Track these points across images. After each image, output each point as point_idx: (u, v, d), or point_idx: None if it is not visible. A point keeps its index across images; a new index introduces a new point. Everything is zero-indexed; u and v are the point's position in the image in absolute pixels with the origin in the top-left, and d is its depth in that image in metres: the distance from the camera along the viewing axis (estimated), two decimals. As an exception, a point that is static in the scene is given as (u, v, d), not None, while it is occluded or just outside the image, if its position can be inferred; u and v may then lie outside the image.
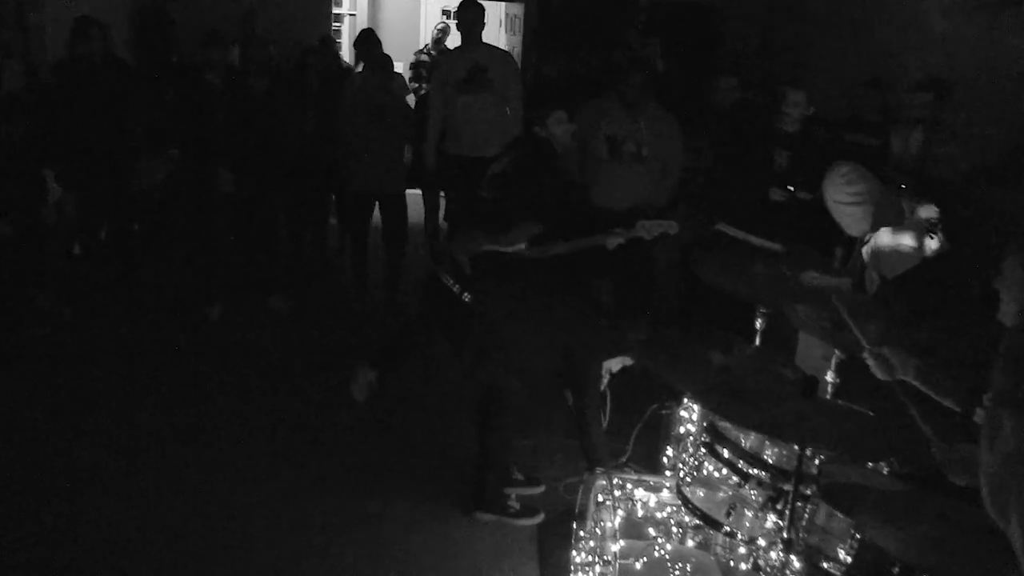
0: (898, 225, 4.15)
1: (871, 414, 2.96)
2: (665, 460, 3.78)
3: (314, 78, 7.10)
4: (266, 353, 5.91)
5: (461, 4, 6.57)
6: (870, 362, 2.93)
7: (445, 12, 11.94)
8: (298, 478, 4.43)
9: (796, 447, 2.73)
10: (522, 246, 4.53)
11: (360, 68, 7.38)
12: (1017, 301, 2.49)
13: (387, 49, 7.45)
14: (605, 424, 4.43)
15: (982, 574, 2.32)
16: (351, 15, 12.12)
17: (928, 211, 4.11)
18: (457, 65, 6.48)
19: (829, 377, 3.46)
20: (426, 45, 9.99)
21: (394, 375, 4.87)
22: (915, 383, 2.82)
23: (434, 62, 8.58)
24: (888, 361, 2.87)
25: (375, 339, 5.34)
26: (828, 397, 3.34)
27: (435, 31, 9.92)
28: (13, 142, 5.68)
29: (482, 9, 6.58)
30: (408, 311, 5.60)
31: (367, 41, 7.23)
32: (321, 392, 5.29)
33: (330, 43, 8.66)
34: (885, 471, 3.05)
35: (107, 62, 6.55)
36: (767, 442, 2.99)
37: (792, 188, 5.28)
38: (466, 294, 4.96)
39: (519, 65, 6.99)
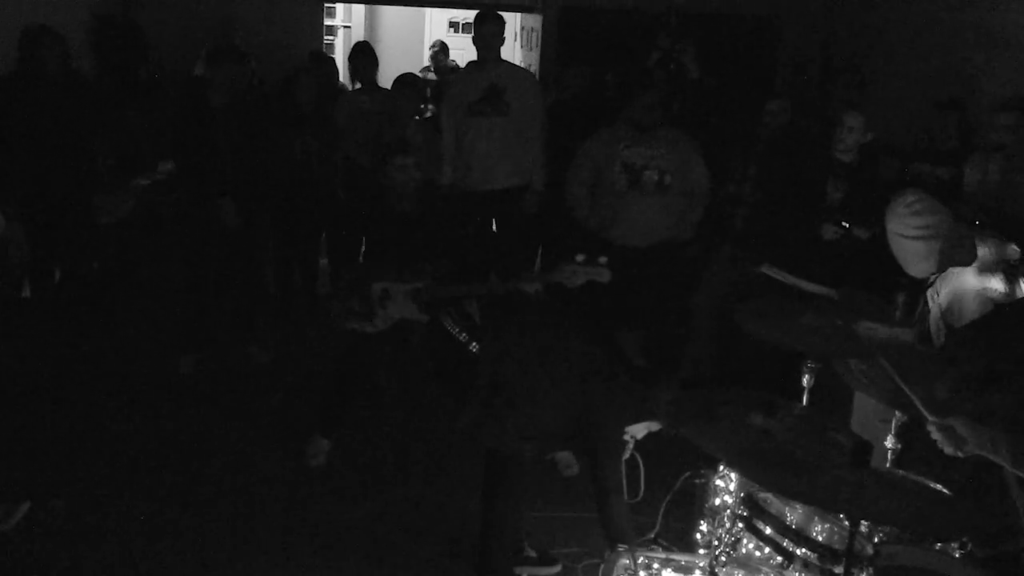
0: (968, 265, 4.16)
1: (938, 487, 2.95)
2: (698, 537, 3.76)
3: (305, 98, 7.20)
4: (244, 413, 5.93)
5: (478, 16, 6.66)
6: (935, 435, 2.93)
7: (452, 24, 12.13)
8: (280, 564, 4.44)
9: (847, 523, 2.72)
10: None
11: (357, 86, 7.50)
12: None
13: (385, 67, 7.59)
14: (640, 495, 4.43)
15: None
16: (346, 27, 12.32)
17: (1004, 249, 4.11)
18: (471, 85, 6.55)
19: (889, 443, 3.47)
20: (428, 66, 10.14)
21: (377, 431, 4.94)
22: (997, 459, 2.80)
23: (443, 82, 8.68)
24: (955, 432, 2.86)
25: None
26: (887, 467, 3.34)
27: (431, 51, 10.05)
28: None
29: (503, 23, 6.67)
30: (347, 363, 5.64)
31: (363, 55, 7.36)
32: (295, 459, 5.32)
33: (323, 59, 8.76)
34: (957, 554, 3.04)
35: (63, 77, 6.52)
36: (815, 517, 2.99)
37: (848, 224, 5.30)
38: (474, 344, 5.03)
39: (540, 86, 7.05)
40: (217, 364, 6.53)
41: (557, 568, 4.43)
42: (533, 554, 4.44)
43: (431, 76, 9.66)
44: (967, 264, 4.16)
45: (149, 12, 8.83)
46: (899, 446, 3.45)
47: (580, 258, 4.47)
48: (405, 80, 7.33)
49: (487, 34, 6.55)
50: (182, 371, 6.39)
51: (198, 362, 6.46)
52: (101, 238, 7.14)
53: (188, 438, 5.47)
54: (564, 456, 5.25)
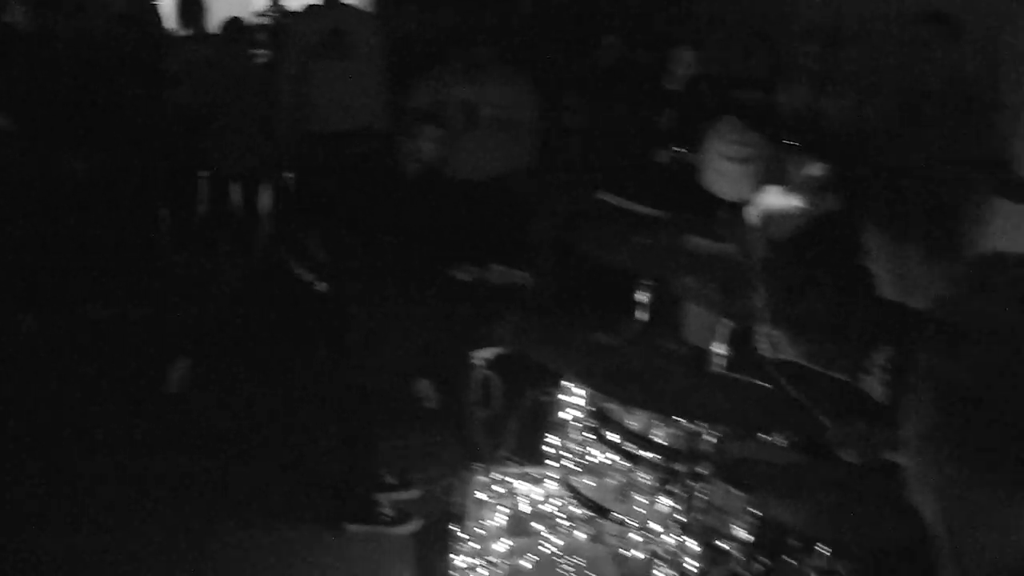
0: (783, 184, 4.40)
1: (765, 385, 3.17)
2: (548, 450, 3.90)
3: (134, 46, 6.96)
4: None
5: None
6: (761, 341, 3.15)
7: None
8: (147, 519, 4.37)
9: (687, 424, 2.91)
10: None
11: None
12: (888, 272, 2.75)
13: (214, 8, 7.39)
14: (495, 407, 4.58)
15: (880, 540, 2.55)
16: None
17: (815, 169, 4.37)
18: (311, 28, 6.44)
19: (718, 349, 3.68)
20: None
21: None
22: (802, 361, 3.05)
23: (278, 25, 8.47)
24: (776, 339, 3.09)
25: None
26: (719, 370, 3.55)
27: None
28: None
29: None
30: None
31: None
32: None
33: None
34: (780, 443, 3.28)
35: None
36: (657, 422, 3.16)
37: (680, 149, 5.51)
38: (320, 283, 5.06)
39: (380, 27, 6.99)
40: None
41: (415, 491, 4.55)
42: (392, 481, 4.55)
43: (263, 19, 9.38)
44: (783, 183, 4.41)
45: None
46: (729, 352, 3.63)
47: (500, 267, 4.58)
48: (234, 25, 7.20)
49: None
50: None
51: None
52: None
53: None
54: (423, 385, 5.35)
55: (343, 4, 6.62)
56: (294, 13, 6.85)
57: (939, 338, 1.07)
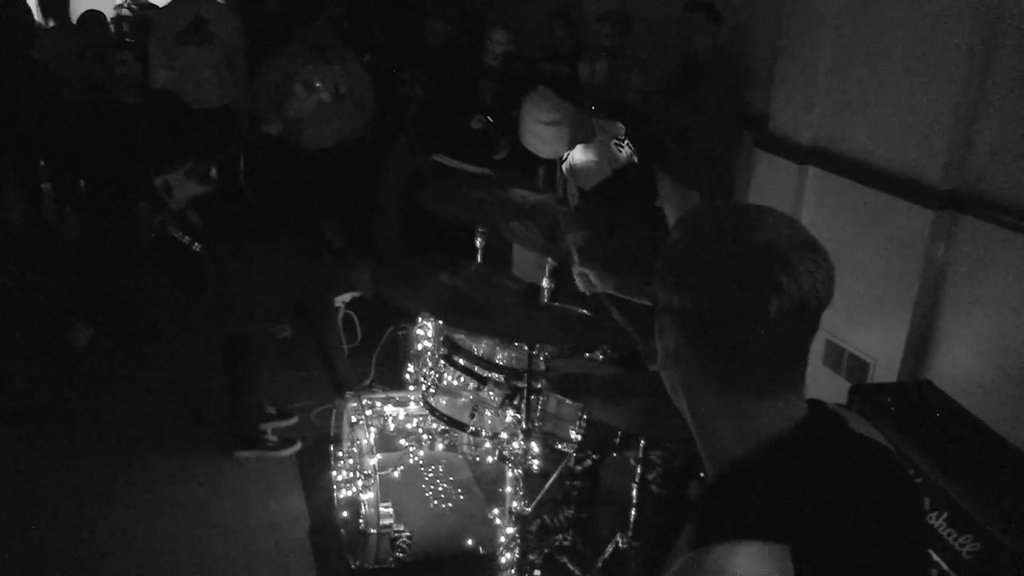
0: (589, 142, 4.47)
1: (584, 312, 3.23)
2: (408, 377, 3.90)
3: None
4: None
5: None
6: (576, 279, 3.20)
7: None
8: (60, 455, 4.16)
9: (526, 347, 2.94)
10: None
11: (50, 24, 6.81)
12: (674, 214, 2.85)
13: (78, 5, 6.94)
14: (357, 342, 4.52)
15: (679, 434, 2.65)
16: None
17: (614, 127, 4.44)
18: (177, 17, 6.12)
19: (544, 283, 3.72)
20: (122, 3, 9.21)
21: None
22: (614, 292, 3.12)
23: (142, 17, 7.95)
24: (588, 277, 3.15)
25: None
26: (545, 301, 3.60)
27: None
28: None
29: None
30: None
31: None
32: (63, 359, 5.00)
33: None
34: (600, 359, 3.36)
35: None
36: (499, 347, 3.19)
37: (490, 118, 5.52)
38: (196, 244, 4.87)
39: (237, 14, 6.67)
40: None
41: (294, 420, 4.47)
42: (273, 411, 4.45)
43: (125, 12, 8.81)
44: (589, 140, 4.48)
45: None
46: (552, 285, 3.68)
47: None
48: (91, 17, 6.76)
49: None
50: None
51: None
52: None
53: None
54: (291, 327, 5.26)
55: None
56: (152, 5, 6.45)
57: (667, 276, 1.14)
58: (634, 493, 2.89)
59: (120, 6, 8.94)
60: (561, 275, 3.70)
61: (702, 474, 1.78)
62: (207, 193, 4.80)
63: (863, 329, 3.74)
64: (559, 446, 2.98)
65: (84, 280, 5.30)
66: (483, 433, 3.08)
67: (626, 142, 4.44)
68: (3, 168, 6.75)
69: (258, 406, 4.25)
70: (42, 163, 7.07)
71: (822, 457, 1.13)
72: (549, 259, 3.71)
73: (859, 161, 3.74)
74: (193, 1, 6.11)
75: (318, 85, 5.56)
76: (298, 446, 4.19)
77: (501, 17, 6.59)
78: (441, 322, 3.38)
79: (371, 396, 3.61)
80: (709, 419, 1.15)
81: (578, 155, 4.58)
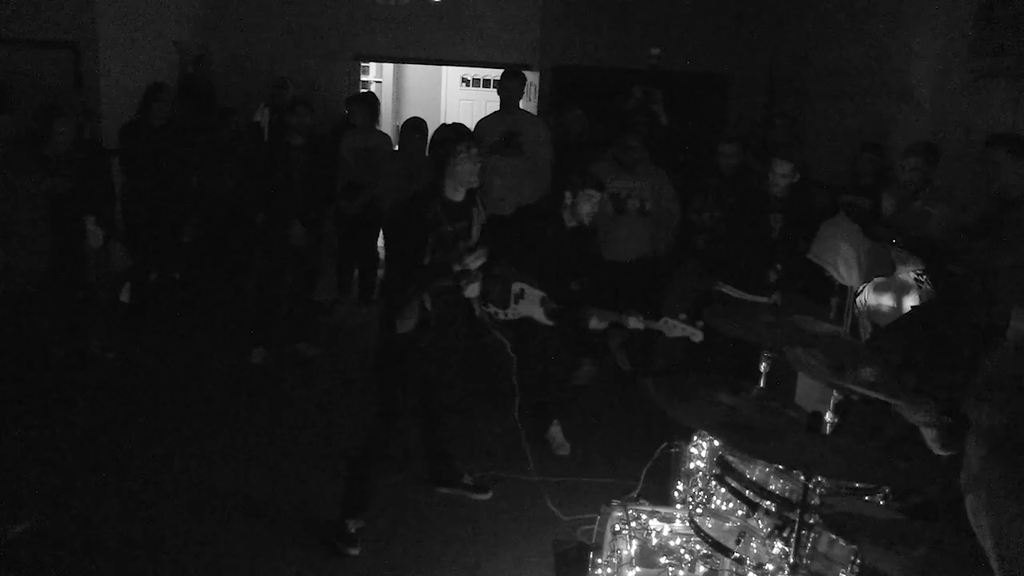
0: (888, 275, 4.27)
1: (870, 448, 3.05)
2: (676, 494, 3.84)
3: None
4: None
5: (505, 73, 6.80)
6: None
7: (464, 80, 12.21)
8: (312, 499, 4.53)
9: (802, 477, 2.82)
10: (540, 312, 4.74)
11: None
12: None
13: (410, 113, 7.66)
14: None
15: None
16: (378, 82, 12.40)
17: (913, 262, 4.23)
18: (494, 129, 6.65)
19: (827, 416, 3.56)
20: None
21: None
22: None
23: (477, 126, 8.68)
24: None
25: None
26: (829, 434, 3.44)
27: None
28: (59, 194, 5.67)
29: (524, 79, 6.79)
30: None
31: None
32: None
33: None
34: (881, 503, 3.14)
35: (170, 125, 6.87)
36: (773, 475, 3.07)
37: (780, 267, 5.43)
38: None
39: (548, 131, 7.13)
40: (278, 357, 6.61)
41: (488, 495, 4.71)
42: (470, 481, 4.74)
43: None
44: (888, 274, 4.29)
45: (215, 71, 8.93)
46: (836, 419, 3.52)
47: (683, 316, 4.60)
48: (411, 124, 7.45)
49: (510, 87, 6.65)
50: (253, 361, 6.47)
51: (268, 355, 6.53)
52: (185, 254, 7.27)
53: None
54: (556, 435, 5.38)
55: (520, 110, 6.80)
56: (487, 116, 7.02)
57: (983, 395, 1.11)
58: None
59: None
60: (845, 409, 3.53)
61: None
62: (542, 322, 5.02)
63: None
64: (828, 588, 2.80)
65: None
66: (747, 562, 2.96)
67: (925, 278, 4.21)
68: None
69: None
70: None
71: None
72: (834, 392, 3.56)
73: None
74: (511, 113, 6.58)
75: (625, 199, 5.79)
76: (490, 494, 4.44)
77: (800, 144, 6.54)
78: (717, 442, 3.32)
79: (637, 508, 3.58)
80: (1014, 540, 1.15)
81: (873, 291, 4.40)
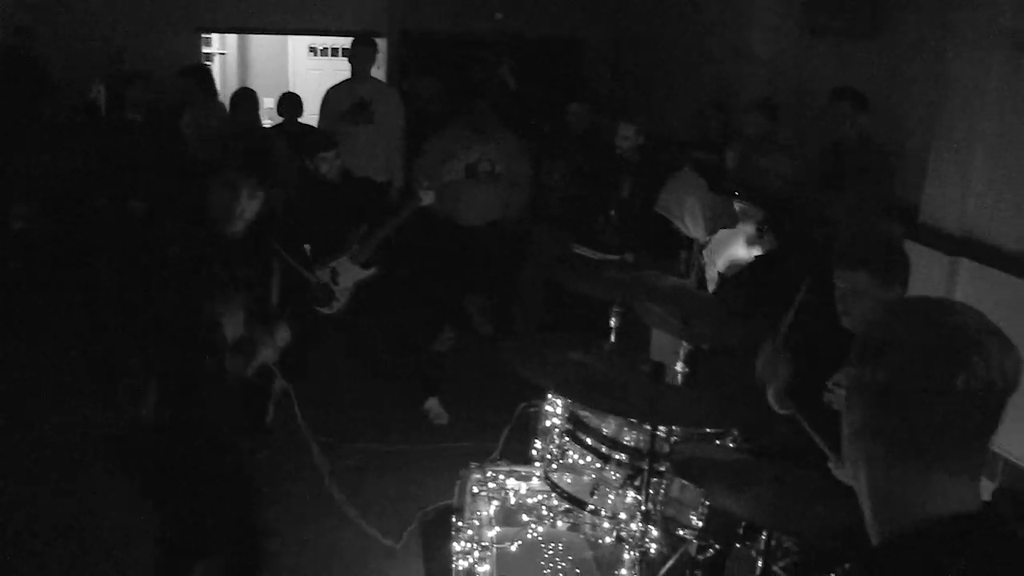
0: (731, 227, 4.38)
1: (716, 396, 3.12)
2: (534, 452, 3.84)
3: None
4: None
5: (355, 40, 6.61)
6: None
7: (311, 49, 11.87)
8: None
9: (649, 428, 2.85)
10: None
11: None
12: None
13: (257, 84, 7.38)
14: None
15: (809, 525, 2.49)
16: (221, 54, 11.91)
17: (757, 214, 4.34)
18: (344, 99, 6.49)
19: (679, 367, 3.63)
20: None
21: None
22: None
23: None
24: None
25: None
26: (679, 384, 3.50)
27: None
28: None
29: (375, 47, 6.63)
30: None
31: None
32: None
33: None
34: (731, 445, 3.22)
35: None
36: (624, 427, 3.11)
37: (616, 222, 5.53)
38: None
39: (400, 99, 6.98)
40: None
41: None
42: None
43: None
44: (732, 226, 4.39)
45: (42, 43, 8.31)
46: (687, 369, 3.59)
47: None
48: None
49: (360, 54, 6.50)
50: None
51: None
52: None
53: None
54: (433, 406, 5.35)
55: (373, 79, 6.69)
56: (336, 85, 6.81)
57: (866, 353, 1.21)
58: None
59: None
60: (695, 360, 3.61)
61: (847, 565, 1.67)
62: (371, 277, 4.92)
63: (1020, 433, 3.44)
64: (680, 532, 2.85)
65: None
66: (603, 512, 2.99)
67: (766, 228, 4.33)
68: None
69: None
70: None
71: (1005, 539, 1.18)
72: (684, 343, 3.62)
73: (1017, 253, 3.51)
74: (362, 83, 6.44)
75: (476, 164, 5.75)
76: None
77: (647, 103, 6.64)
78: (570, 399, 3.33)
79: (495, 469, 3.57)
80: (888, 490, 1.19)
81: (719, 241, 4.50)
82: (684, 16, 7.81)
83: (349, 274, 4.90)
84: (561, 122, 6.31)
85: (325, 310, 4.88)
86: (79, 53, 8.51)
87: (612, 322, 3.84)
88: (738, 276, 4.36)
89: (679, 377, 3.59)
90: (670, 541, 2.94)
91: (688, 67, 7.70)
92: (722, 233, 4.44)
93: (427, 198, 4.91)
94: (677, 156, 5.92)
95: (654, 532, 2.84)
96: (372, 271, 4.91)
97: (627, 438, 3.11)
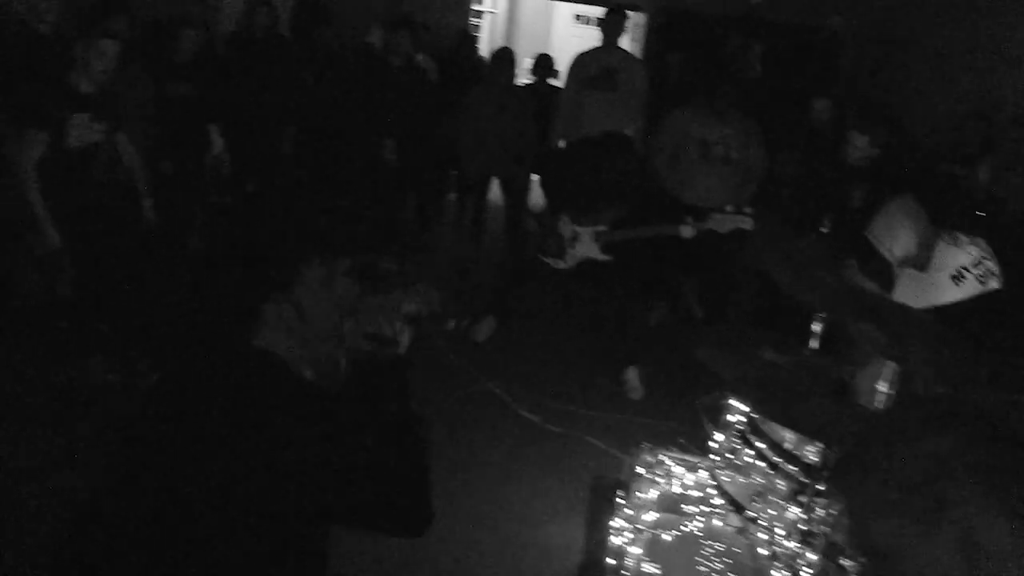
0: (922, 270, 4.02)
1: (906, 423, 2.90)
2: (712, 445, 3.75)
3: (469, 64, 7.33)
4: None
5: (608, 9, 6.71)
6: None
7: (577, 16, 12.00)
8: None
9: (822, 445, 2.71)
10: (603, 227, 4.66)
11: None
12: None
13: (521, 44, 7.55)
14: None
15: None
16: (492, 12, 12.27)
17: (965, 255, 3.91)
18: (591, 65, 6.56)
19: (881, 387, 3.39)
20: None
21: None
22: None
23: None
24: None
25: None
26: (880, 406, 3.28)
27: None
28: (185, 100, 5.84)
29: (624, 17, 6.70)
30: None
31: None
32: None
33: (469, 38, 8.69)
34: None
35: (270, 39, 6.77)
36: (798, 438, 2.96)
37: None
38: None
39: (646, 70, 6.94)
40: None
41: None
42: None
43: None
44: (922, 269, 4.01)
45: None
46: (892, 392, 3.35)
47: (729, 208, 4.52)
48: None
49: (611, 23, 6.57)
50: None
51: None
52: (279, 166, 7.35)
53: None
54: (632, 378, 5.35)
55: (620, 49, 6.76)
56: (584, 51, 6.87)
57: None
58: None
59: None
60: (902, 383, 3.37)
61: None
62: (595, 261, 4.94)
63: None
64: (843, 563, 2.68)
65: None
66: (760, 522, 2.88)
67: (988, 269, 3.86)
68: None
69: None
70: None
71: None
72: (889, 363, 3.39)
73: None
74: (609, 51, 6.48)
75: (709, 145, 5.62)
76: None
77: (906, 107, 6.20)
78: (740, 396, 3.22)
79: (665, 452, 3.52)
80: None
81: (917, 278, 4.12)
82: (955, 19, 7.20)
83: (586, 247, 4.95)
84: (805, 115, 6.03)
85: (549, 261, 4.99)
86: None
87: (814, 327, 3.65)
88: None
89: (881, 399, 3.37)
90: (828, 569, 2.77)
91: (949, 71, 7.11)
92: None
93: (686, 232, 4.81)
94: (927, 166, 5.51)
95: (810, 555, 2.69)
96: (606, 258, 4.93)
97: (807, 452, 2.96)
